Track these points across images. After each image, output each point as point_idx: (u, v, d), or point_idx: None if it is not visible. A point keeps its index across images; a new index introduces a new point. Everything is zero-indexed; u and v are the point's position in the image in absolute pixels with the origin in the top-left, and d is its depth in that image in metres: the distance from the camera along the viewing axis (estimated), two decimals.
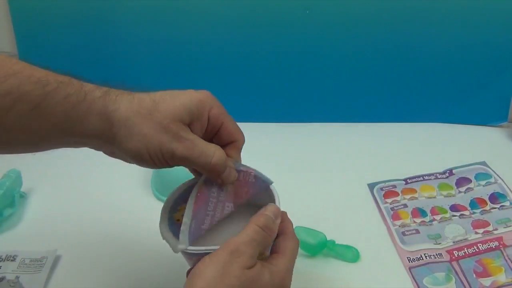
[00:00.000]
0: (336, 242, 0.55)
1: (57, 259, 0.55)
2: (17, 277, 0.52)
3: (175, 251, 0.40)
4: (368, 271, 0.53)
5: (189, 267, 0.40)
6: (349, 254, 0.54)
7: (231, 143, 0.42)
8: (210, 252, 0.36)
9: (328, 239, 0.55)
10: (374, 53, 0.77)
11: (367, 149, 0.75)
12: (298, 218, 0.56)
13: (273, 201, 0.42)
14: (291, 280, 0.39)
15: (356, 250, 0.55)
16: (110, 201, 0.65)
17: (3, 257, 0.54)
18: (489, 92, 0.78)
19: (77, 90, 0.37)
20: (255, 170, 0.44)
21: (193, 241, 0.39)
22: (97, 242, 0.59)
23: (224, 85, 0.80)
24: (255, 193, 0.44)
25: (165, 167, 0.40)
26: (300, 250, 0.55)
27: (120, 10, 0.75)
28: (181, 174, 0.62)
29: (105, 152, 0.41)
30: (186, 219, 0.40)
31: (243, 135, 0.43)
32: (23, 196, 0.65)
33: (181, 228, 0.40)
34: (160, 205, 0.64)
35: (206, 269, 0.35)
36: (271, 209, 0.39)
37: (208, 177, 0.41)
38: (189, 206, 0.41)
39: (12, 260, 0.54)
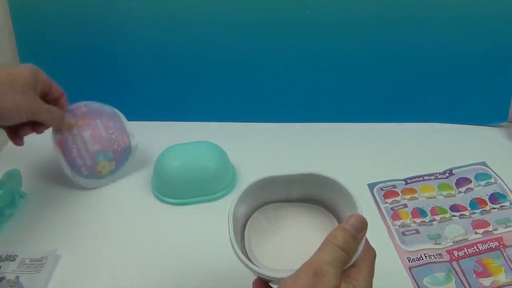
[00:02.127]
0: None
1: (57, 259, 0.55)
2: (17, 277, 0.52)
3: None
4: None
5: (253, 277, 0.38)
6: None
7: (60, 97, 0.61)
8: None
9: None
10: (374, 53, 0.76)
11: (367, 149, 0.75)
12: None
13: (352, 205, 0.39)
14: None
15: None
16: (111, 201, 0.65)
17: (3, 257, 0.54)
18: (489, 92, 0.78)
19: None
20: (84, 102, 0.65)
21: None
22: (97, 242, 0.59)
23: (224, 85, 0.80)
24: (97, 115, 0.64)
25: (20, 122, 0.55)
26: None
27: (120, 10, 0.75)
28: (181, 175, 0.63)
29: None
30: (65, 167, 0.64)
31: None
32: (23, 196, 0.65)
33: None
34: (160, 205, 0.65)
35: None
36: (352, 222, 0.35)
37: (58, 132, 0.62)
38: (60, 157, 0.63)
39: (12, 260, 0.54)
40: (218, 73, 0.79)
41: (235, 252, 0.36)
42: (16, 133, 0.59)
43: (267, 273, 0.35)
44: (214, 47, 0.77)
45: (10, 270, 0.53)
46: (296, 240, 0.40)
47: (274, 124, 0.81)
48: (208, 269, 0.54)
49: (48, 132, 0.62)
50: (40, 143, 0.64)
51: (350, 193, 0.39)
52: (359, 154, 0.73)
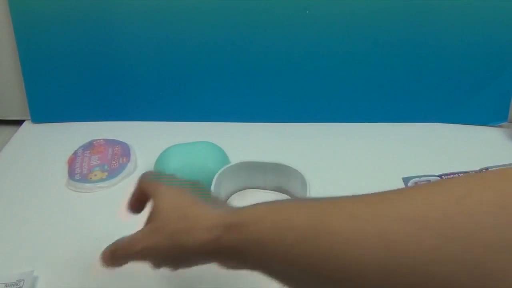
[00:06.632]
0: None
1: (34, 281, 0.50)
2: None
3: None
4: None
5: None
6: None
7: None
8: None
9: None
10: (376, 53, 0.76)
11: (366, 150, 0.75)
12: None
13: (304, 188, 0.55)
14: None
15: None
16: (110, 201, 0.65)
17: None
18: (489, 92, 0.78)
19: None
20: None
21: None
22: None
23: (224, 85, 0.80)
24: (112, 145, 0.73)
25: None
26: None
27: (120, 10, 0.75)
28: (181, 175, 0.62)
29: None
30: None
31: None
32: None
33: None
34: None
35: None
36: None
37: None
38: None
39: None
40: (218, 73, 0.79)
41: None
42: None
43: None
44: (214, 47, 0.77)
45: None
46: None
47: (275, 124, 0.81)
48: (209, 269, 0.54)
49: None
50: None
51: (303, 176, 0.55)
52: (360, 155, 0.73)
